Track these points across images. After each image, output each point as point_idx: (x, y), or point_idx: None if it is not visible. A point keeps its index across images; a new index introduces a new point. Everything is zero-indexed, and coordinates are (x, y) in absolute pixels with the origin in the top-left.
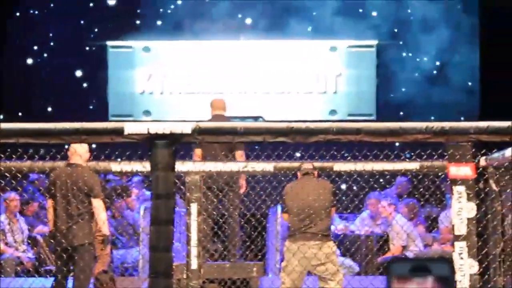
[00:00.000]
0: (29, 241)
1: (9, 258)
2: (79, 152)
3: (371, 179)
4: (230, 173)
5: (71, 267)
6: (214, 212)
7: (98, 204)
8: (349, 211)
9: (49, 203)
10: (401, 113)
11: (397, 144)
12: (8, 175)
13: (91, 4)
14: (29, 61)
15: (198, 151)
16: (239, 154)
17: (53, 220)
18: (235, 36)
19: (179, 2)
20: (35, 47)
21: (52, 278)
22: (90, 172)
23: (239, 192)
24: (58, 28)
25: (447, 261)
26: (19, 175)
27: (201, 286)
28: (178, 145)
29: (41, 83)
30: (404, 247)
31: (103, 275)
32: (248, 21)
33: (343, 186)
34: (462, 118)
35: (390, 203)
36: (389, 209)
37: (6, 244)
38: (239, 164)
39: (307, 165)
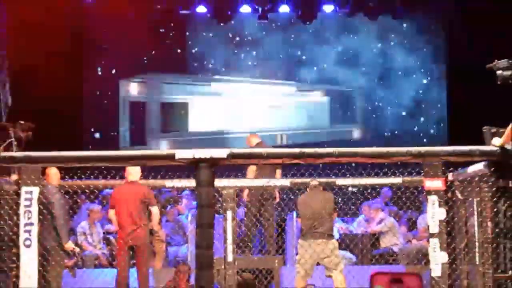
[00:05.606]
0: (104, 241)
1: (89, 254)
2: (133, 172)
3: (365, 191)
4: (266, 188)
5: (133, 261)
6: (255, 219)
7: (156, 211)
8: (348, 215)
9: (112, 212)
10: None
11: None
12: (87, 190)
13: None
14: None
15: (253, 167)
16: (279, 172)
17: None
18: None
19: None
20: None
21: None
22: (147, 188)
23: (274, 202)
24: None
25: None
26: (96, 190)
27: (240, 275)
28: (217, 166)
29: None
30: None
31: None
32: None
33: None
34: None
35: (378, 208)
36: (379, 212)
37: (88, 243)
38: (262, 181)
39: (315, 181)
